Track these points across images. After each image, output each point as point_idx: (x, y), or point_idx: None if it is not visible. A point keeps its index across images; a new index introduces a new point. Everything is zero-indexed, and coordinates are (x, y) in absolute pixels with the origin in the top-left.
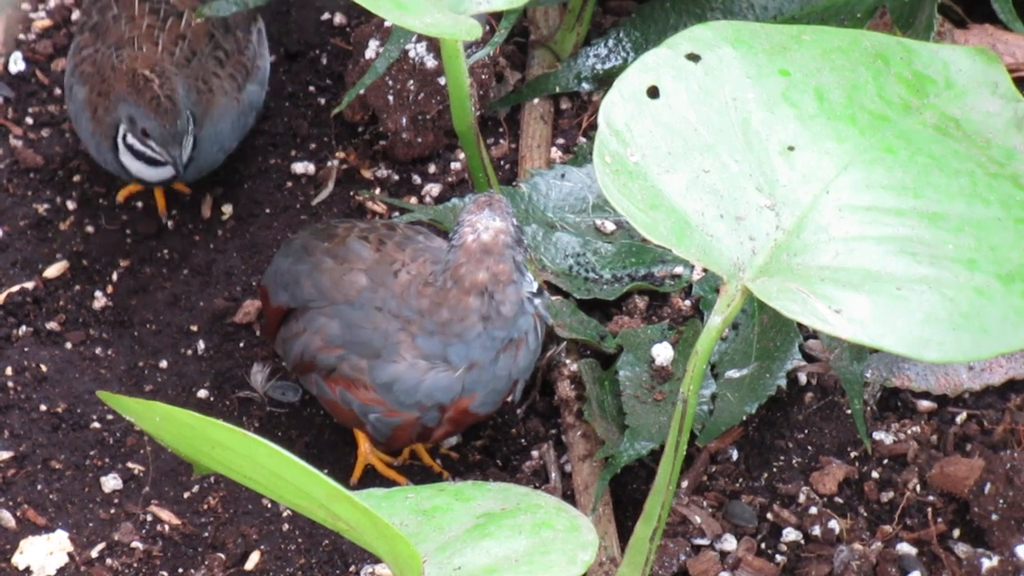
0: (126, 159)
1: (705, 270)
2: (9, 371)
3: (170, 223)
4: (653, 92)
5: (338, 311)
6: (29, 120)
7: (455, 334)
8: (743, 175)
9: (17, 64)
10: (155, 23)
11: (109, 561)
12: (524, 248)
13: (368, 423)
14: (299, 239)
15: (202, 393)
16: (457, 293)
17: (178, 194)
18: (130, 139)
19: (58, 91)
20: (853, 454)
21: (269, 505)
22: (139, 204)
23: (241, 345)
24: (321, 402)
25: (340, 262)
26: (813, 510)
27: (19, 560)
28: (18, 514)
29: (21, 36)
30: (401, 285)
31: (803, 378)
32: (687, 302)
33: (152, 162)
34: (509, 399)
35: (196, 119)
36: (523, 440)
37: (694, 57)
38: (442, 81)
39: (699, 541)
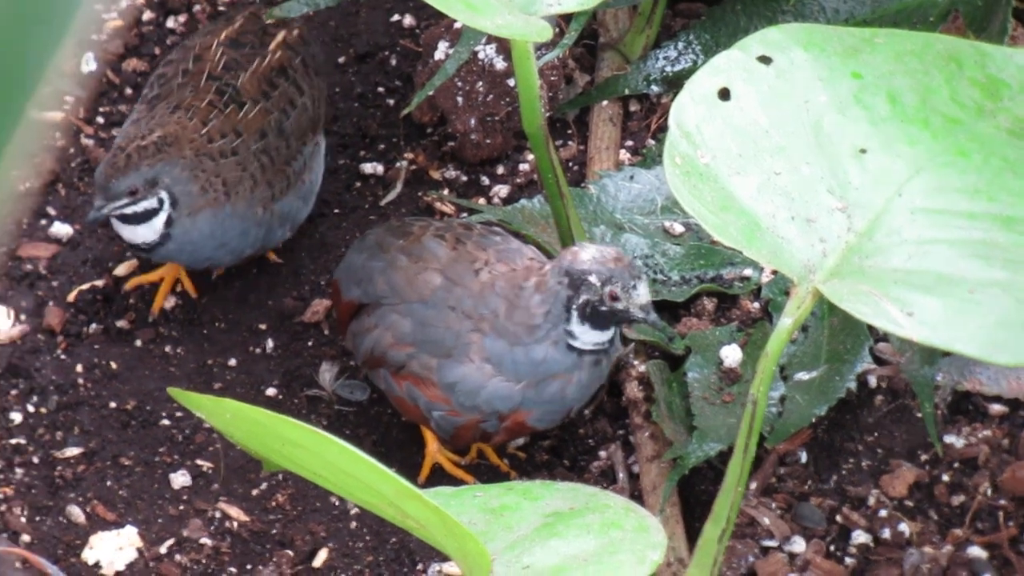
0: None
1: (775, 272)
2: (80, 368)
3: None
4: (724, 94)
5: (411, 309)
6: (100, 119)
7: (508, 334)
8: (814, 177)
9: (88, 64)
10: (217, 103)
11: (178, 557)
12: (596, 300)
13: (432, 420)
14: (374, 235)
15: (271, 391)
16: (527, 280)
17: None
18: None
19: (128, 91)
20: (923, 457)
21: (337, 503)
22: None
23: (309, 344)
24: (388, 397)
25: (415, 260)
26: (883, 513)
27: (89, 555)
28: (88, 510)
29: (93, 36)
30: (481, 283)
31: (873, 381)
32: (756, 304)
33: (127, 220)
34: (571, 418)
35: (182, 206)
36: (591, 440)
37: (765, 59)
38: (511, 83)
39: (767, 543)
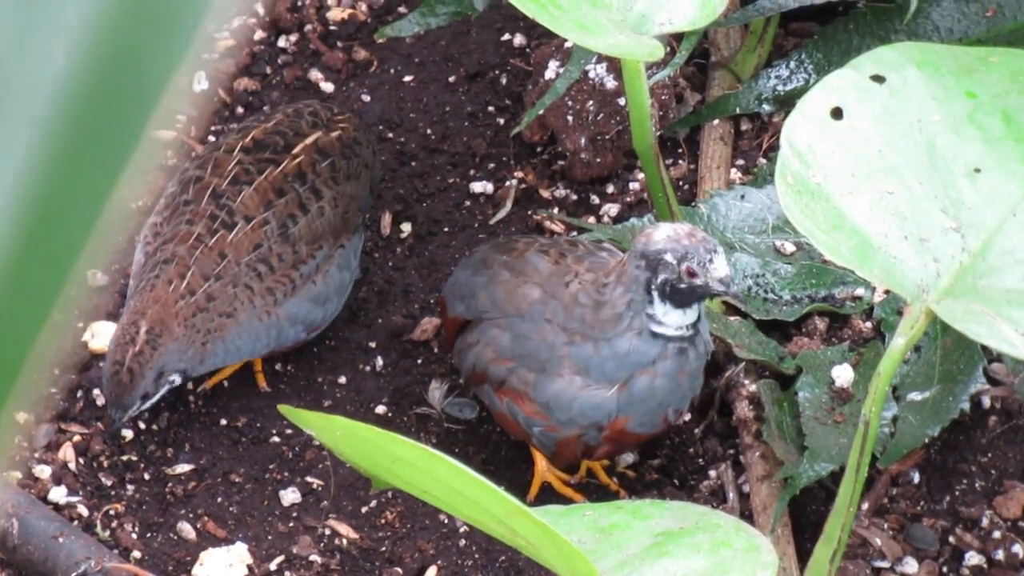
0: None
1: (887, 292)
2: (190, 386)
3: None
4: (836, 113)
5: (510, 323)
6: (211, 138)
7: (594, 332)
8: (927, 197)
9: (200, 83)
10: (205, 234)
11: (288, 574)
12: (675, 279)
13: (534, 436)
14: (479, 252)
15: (380, 409)
16: (608, 279)
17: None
18: None
19: (240, 110)
20: None
21: (446, 520)
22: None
23: (419, 362)
24: (492, 413)
25: (516, 275)
26: (996, 534)
27: (199, 572)
28: (198, 526)
29: (205, 55)
30: (570, 295)
31: (987, 401)
32: (868, 324)
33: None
34: (671, 421)
35: (189, 369)
36: (700, 460)
37: (879, 78)
38: (621, 102)
39: (879, 563)
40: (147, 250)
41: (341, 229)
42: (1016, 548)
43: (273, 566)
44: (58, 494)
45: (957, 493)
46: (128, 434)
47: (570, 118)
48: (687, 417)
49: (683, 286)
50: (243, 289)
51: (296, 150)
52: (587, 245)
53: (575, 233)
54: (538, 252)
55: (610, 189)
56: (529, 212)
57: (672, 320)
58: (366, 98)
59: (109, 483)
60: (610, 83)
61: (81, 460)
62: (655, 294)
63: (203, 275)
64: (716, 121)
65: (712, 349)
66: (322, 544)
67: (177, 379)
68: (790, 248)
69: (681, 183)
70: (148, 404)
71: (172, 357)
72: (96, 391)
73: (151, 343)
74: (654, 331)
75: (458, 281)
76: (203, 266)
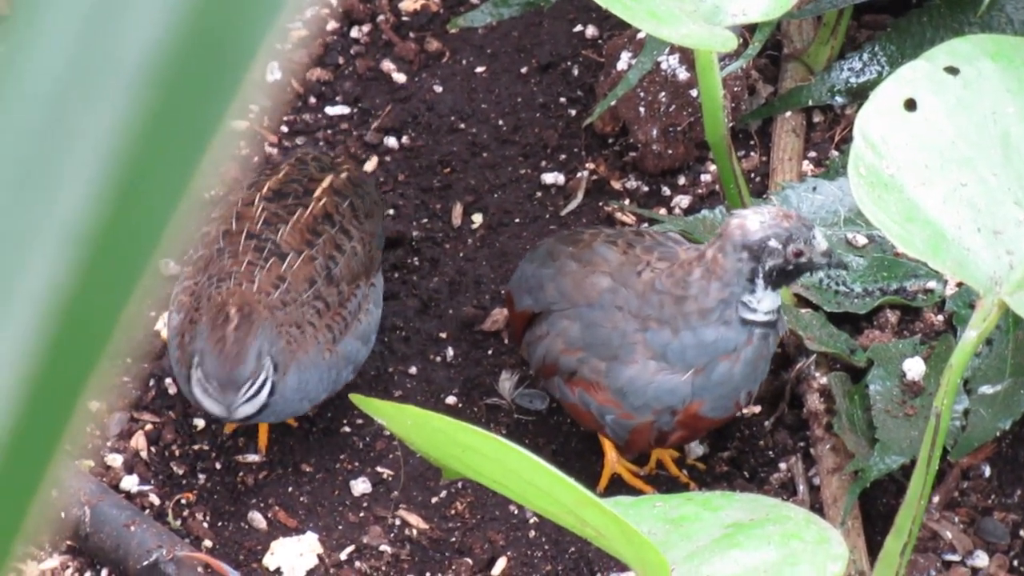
0: (197, 391)
1: (959, 284)
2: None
3: (416, 232)
4: (910, 105)
5: (579, 313)
6: (284, 128)
7: (676, 322)
8: (1001, 189)
9: (273, 73)
10: (257, 260)
11: (358, 564)
12: (780, 265)
13: (607, 425)
14: (545, 245)
15: (450, 399)
16: (690, 274)
17: (427, 201)
18: (198, 373)
19: (312, 100)
20: None
21: (516, 511)
22: (390, 212)
23: (489, 353)
24: (563, 405)
25: (584, 265)
26: None
27: (270, 561)
28: (269, 516)
29: (277, 46)
30: (644, 283)
31: None
32: (939, 317)
33: (215, 399)
34: (742, 405)
35: (280, 366)
36: (771, 452)
37: (952, 70)
38: (694, 93)
39: (950, 557)
40: (184, 308)
41: (370, 267)
42: None
43: (343, 556)
44: (130, 483)
45: None
46: (199, 423)
47: (642, 109)
48: (757, 409)
49: (790, 267)
50: (308, 324)
51: (317, 193)
52: (654, 235)
53: (646, 225)
54: (605, 243)
55: (681, 181)
56: (600, 203)
57: (765, 305)
58: (438, 89)
59: (181, 472)
60: (682, 74)
61: (153, 449)
62: (759, 281)
63: (272, 284)
64: (788, 113)
65: (787, 332)
66: (392, 534)
67: (271, 372)
68: (862, 240)
69: (753, 175)
70: (255, 388)
71: (266, 336)
72: (168, 380)
73: (247, 318)
74: (744, 318)
75: (524, 274)
76: (268, 280)
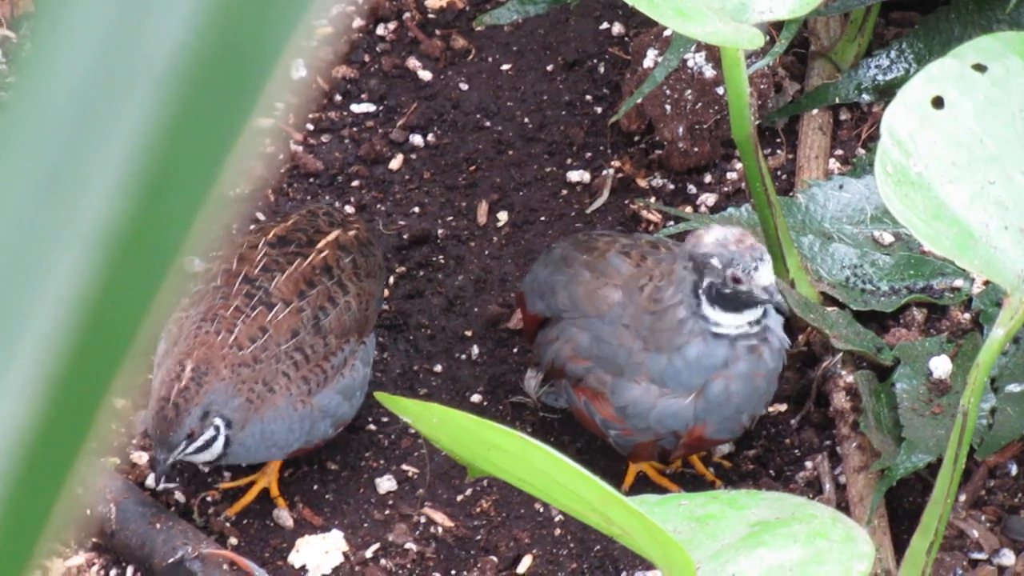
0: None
1: (987, 283)
2: None
3: (441, 230)
4: (938, 102)
5: (589, 324)
6: (309, 126)
7: (662, 343)
8: None
9: (299, 70)
10: (244, 308)
11: (383, 561)
12: (723, 281)
13: (610, 438)
14: (559, 249)
15: (475, 397)
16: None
17: (453, 199)
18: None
19: (338, 97)
20: None
21: (541, 509)
22: (415, 210)
23: (515, 351)
24: (570, 408)
25: (597, 276)
26: None
27: (295, 559)
28: (295, 513)
29: (303, 43)
30: (640, 301)
31: None
32: (966, 315)
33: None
34: (748, 427)
35: (235, 422)
36: (797, 451)
37: (980, 68)
38: (720, 91)
39: (976, 555)
40: (169, 338)
41: (363, 325)
42: None
43: (369, 553)
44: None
45: None
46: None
47: (668, 107)
48: (783, 407)
49: (728, 291)
50: (281, 375)
51: (320, 245)
52: (670, 247)
53: (671, 223)
54: (619, 253)
55: (707, 179)
56: (626, 201)
57: (727, 321)
58: (464, 86)
59: (206, 470)
60: (708, 72)
61: None
62: (702, 297)
63: (249, 337)
64: (815, 111)
65: (788, 345)
66: (417, 532)
67: (222, 428)
68: (888, 238)
69: (779, 173)
70: (194, 447)
71: (218, 397)
72: None
73: (196, 380)
74: (715, 332)
75: (537, 278)
76: (248, 332)
